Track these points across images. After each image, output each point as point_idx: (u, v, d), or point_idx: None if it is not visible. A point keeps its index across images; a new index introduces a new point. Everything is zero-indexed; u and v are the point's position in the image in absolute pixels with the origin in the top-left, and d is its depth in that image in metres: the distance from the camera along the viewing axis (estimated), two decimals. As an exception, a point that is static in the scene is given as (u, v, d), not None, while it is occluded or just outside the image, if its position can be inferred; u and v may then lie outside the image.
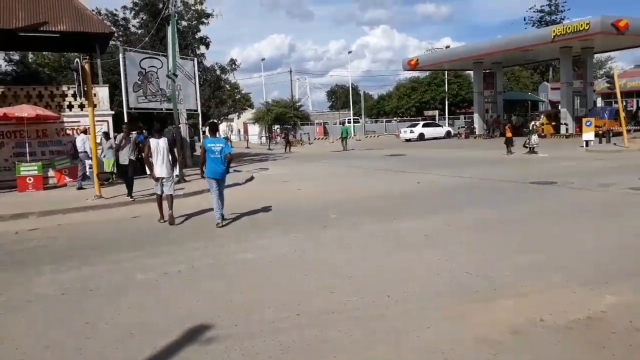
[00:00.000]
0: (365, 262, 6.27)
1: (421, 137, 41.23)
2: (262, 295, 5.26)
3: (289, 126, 45.28)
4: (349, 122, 52.42)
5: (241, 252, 7.17)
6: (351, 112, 60.93)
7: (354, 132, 52.92)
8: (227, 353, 3.91)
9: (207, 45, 29.59)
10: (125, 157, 12.93)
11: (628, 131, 24.52)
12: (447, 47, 54.35)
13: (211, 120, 12.38)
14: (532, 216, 8.82)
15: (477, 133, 40.60)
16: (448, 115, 57.72)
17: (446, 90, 57.27)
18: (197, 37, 29.02)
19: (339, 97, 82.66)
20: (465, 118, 56.51)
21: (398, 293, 5.06)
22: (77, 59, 13.50)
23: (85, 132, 16.25)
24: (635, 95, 41.98)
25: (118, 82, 20.08)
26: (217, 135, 9.33)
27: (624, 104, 30.27)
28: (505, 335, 3.98)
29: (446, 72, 55.23)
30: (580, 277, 5.28)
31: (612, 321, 4.17)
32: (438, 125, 46.25)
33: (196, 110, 21.31)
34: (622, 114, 24.19)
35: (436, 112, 56.15)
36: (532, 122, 23.93)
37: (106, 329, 4.53)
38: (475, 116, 42.06)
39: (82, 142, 15.81)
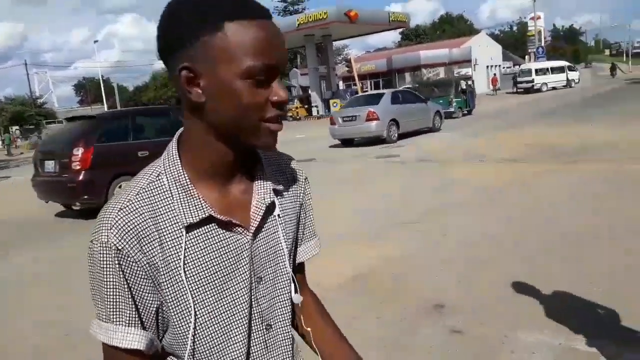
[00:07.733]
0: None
1: None
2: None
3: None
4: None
5: None
6: (105, 105, 56.67)
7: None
8: None
9: None
10: None
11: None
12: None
13: None
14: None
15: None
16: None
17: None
18: None
19: (89, 90, 75.94)
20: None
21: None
22: None
23: None
24: (368, 77, 48.10)
25: None
26: None
27: (361, 85, 34.43)
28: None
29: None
30: (348, 239, 5.87)
31: (378, 273, 4.75)
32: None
33: None
34: (361, 94, 27.53)
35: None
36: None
37: None
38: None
39: None
